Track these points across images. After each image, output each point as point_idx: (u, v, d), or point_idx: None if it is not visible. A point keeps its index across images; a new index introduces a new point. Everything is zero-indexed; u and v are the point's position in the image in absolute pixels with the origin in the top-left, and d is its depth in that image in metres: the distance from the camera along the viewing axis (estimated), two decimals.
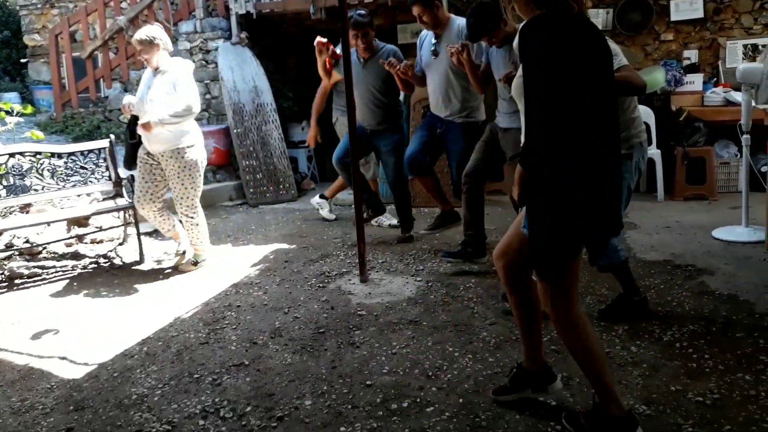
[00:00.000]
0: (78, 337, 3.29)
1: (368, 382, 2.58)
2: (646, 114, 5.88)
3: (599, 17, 6.91)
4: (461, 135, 4.15)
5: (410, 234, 4.82)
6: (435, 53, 4.15)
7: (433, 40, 4.17)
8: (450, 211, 4.45)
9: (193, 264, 4.37)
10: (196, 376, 2.74)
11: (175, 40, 7.66)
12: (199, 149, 4.27)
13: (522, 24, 2.07)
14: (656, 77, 6.30)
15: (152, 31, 4.08)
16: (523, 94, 1.98)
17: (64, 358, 3.02)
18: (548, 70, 1.86)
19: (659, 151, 5.78)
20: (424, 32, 4.34)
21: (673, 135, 5.95)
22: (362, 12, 4.50)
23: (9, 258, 4.67)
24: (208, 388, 2.63)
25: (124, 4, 8.11)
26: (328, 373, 2.68)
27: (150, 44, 4.02)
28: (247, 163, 6.82)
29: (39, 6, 9.51)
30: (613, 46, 2.62)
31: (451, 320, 3.16)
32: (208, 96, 7.32)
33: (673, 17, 6.64)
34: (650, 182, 6.02)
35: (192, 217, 4.30)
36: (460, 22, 4.04)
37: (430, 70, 4.25)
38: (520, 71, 2.11)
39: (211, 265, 4.39)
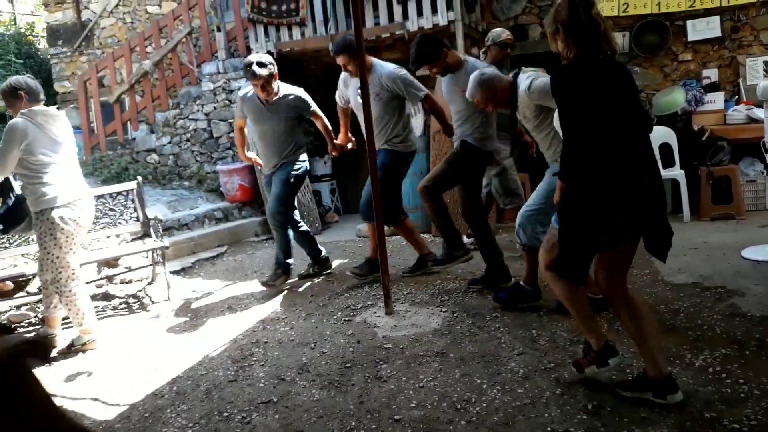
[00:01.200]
0: (110, 378, 3.34)
1: (396, 417, 2.57)
2: (667, 135, 5.87)
3: (616, 40, 6.93)
4: (383, 159, 4.36)
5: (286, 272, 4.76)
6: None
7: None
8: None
9: (80, 345, 3.75)
10: (225, 414, 2.76)
11: (198, 81, 7.89)
12: (63, 209, 3.63)
13: (557, 68, 2.47)
14: (676, 98, 6.28)
15: None
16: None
17: (96, 399, 3.07)
18: (581, 106, 2.35)
19: (683, 171, 5.73)
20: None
21: (696, 155, 5.90)
22: (262, 62, 4.31)
23: (42, 301, 4.76)
24: (238, 426, 2.65)
25: (149, 49, 8.37)
26: (356, 409, 2.68)
27: None
28: None
29: (68, 54, 9.88)
30: None
31: (478, 351, 3.14)
32: (231, 135, 7.48)
33: (691, 37, 6.65)
34: (675, 203, 5.96)
35: (63, 291, 3.70)
36: (383, 70, 4.35)
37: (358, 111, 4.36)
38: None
39: (238, 302, 4.44)
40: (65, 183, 3.68)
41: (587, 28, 2.35)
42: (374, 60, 4.45)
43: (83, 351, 3.75)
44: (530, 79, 3.21)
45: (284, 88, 4.55)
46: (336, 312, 4.01)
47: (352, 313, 3.95)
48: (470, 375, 2.89)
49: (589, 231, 2.41)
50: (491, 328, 3.45)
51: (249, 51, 7.68)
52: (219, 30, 7.91)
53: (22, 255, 4.70)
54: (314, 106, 4.69)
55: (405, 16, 6.85)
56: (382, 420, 2.57)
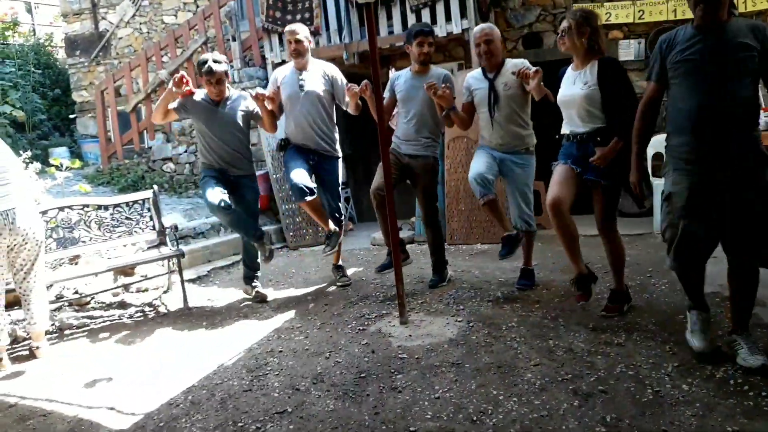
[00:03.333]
0: (125, 387, 3.34)
1: (412, 429, 2.54)
2: None
3: (631, 48, 6.90)
4: (336, 166, 4.78)
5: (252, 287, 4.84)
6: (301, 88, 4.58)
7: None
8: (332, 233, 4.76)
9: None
10: (240, 424, 2.75)
11: None
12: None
13: (601, 59, 3.50)
14: None
15: None
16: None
17: (112, 409, 3.07)
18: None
19: None
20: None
21: None
22: (218, 59, 4.43)
23: (59, 309, 4.81)
24: None
25: (165, 58, 8.46)
26: (371, 420, 2.66)
27: None
28: (287, 207, 6.94)
29: (86, 64, 10.02)
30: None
31: (495, 362, 3.11)
32: None
33: None
34: None
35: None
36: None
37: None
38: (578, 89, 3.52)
39: (252, 310, 4.44)
40: None
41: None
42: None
43: None
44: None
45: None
46: (350, 321, 4.00)
47: (366, 323, 3.94)
48: (486, 386, 2.86)
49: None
50: (507, 339, 3.42)
51: (264, 60, 7.74)
52: (234, 39, 7.98)
53: None
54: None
55: None
56: (397, 431, 2.54)
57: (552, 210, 3.48)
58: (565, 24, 3.51)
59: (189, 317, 4.51)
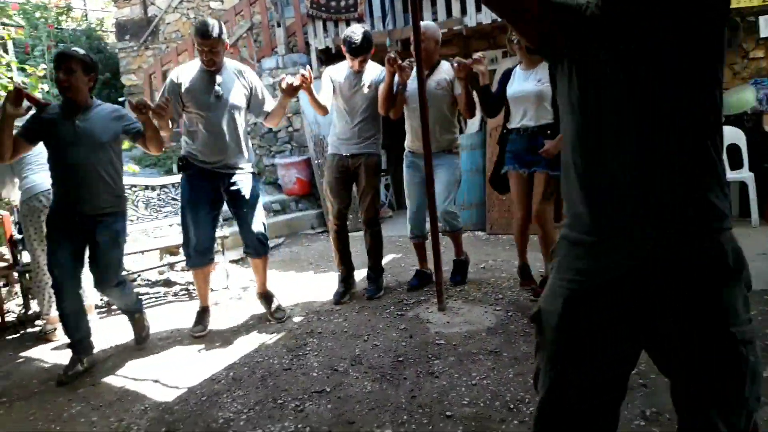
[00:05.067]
0: (169, 362, 3.46)
1: (448, 413, 2.57)
2: (736, 135, 5.64)
3: None
4: (254, 184, 3.94)
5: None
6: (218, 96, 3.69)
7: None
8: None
9: (38, 334, 4.01)
10: (279, 401, 2.82)
11: (259, 76, 8.04)
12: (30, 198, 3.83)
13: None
14: (746, 97, 6.03)
15: None
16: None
17: (156, 381, 3.18)
18: None
19: (752, 174, 5.49)
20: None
21: (766, 156, 5.65)
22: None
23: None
24: (291, 414, 2.70)
25: None
26: (407, 403, 2.70)
27: None
28: None
29: (135, 49, 10.24)
30: None
31: (532, 352, 3.09)
32: (290, 129, 7.61)
33: (763, 33, 6.35)
34: (743, 206, 5.72)
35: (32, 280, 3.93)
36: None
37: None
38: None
39: (293, 292, 4.52)
40: None
41: None
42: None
43: (48, 339, 3.93)
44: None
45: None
46: (389, 306, 4.03)
47: (404, 308, 3.97)
48: (524, 375, 2.85)
49: None
50: None
51: (308, 46, 7.79)
52: (279, 26, 8.05)
53: None
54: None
55: (463, 11, 6.80)
56: (433, 415, 2.57)
57: (519, 222, 4.01)
58: None
59: (231, 297, 4.61)
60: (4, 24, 8.32)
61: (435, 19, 7.02)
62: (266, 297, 4.10)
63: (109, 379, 3.28)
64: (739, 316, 1.30)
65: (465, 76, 3.88)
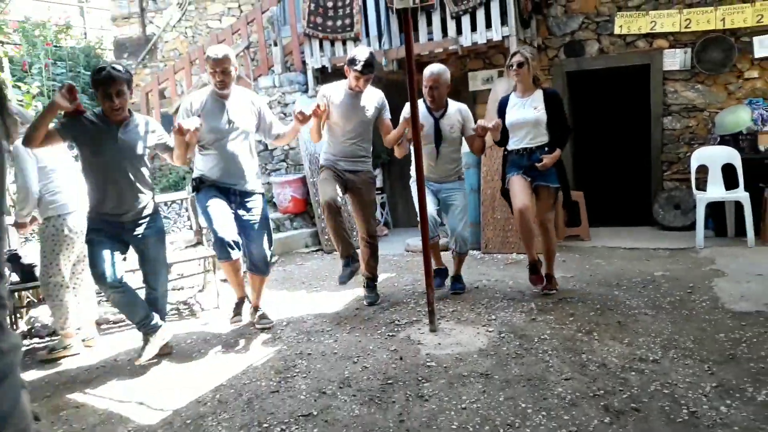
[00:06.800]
0: (155, 383, 3.40)
1: None
2: (731, 155, 5.63)
3: (677, 57, 6.73)
4: (264, 205, 4.09)
5: None
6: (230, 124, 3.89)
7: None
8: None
9: (47, 351, 3.90)
10: (265, 425, 2.76)
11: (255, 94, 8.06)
12: (59, 218, 3.80)
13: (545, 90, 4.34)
14: (741, 116, 6.04)
15: None
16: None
17: (141, 404, 3.12)
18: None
19: (747, 193, 5.47)
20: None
21: (761, 176, 5.64)
22: (117, 67, 3.49)
23: (97, 303, 4.91)
24: None
25: None
26: (395, 427, 2.64)
27: None
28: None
29: (133, 66, 10.27)
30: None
31: (524, 374, 3.05)
32: (286, 147, 7.60)
33: (757, 54, 6.39)
34: (739, 226, 5.70)
35: (48, 296, 3.87)
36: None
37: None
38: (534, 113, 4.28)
39: (285, 311, 4.47)
40: None
41: None
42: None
43: (61, 357, 3.90)
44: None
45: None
46: (380, 326, 3.98)
47: (396, 329, 3.92)
48: (515, 398, 2.80)
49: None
50: (539, 351, 3.35)
51: (304, 65, 7.81)
52: (276, 45, 8.08)
53: None
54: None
55: (459, 31, 6.83)
56: None
57: (520, 214, 4.20)
58: (519, 58, 4.26)
59: (222, 317, 4.56)
60: (2, 42, 8.35)
61: (431, 39, 7.04)
62: (257, 309, 4.25)
63: (93, 401, 3.22)
64: None
65: (483, 134, 4.34)
